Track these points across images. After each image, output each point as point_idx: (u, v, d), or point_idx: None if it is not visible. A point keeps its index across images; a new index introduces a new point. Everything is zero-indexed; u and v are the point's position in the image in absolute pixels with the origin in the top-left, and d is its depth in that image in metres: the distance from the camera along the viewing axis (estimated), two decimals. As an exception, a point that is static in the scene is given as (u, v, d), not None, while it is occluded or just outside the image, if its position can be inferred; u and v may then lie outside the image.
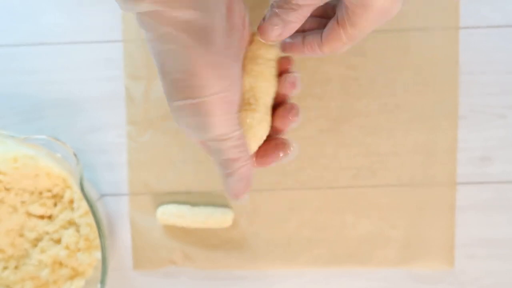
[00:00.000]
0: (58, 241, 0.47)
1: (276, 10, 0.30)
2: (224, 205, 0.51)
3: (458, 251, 0.51)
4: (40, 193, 0.48)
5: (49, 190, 0.48)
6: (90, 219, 0.47)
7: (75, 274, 0.47)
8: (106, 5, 0.51)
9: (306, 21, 0.31)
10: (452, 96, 0.50)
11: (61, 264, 0.47)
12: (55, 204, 0.48)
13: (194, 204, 0.51)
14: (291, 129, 0.34)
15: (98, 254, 0.47)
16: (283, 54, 0.34)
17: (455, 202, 0.50)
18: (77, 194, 0.48)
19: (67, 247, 0.47)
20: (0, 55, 0.51)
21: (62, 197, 0.48)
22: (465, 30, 0.50)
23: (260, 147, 0.32)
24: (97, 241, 0.47)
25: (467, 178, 0.51)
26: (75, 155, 0.43)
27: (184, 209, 0.49)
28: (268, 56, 0.32)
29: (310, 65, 0.50)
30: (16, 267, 0.47)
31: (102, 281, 0.44)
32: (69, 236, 0.47)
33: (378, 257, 0.50)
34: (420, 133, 0.50)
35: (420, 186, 0.50)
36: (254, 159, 0.32)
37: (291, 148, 0.32)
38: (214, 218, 0.49)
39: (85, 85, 0.51)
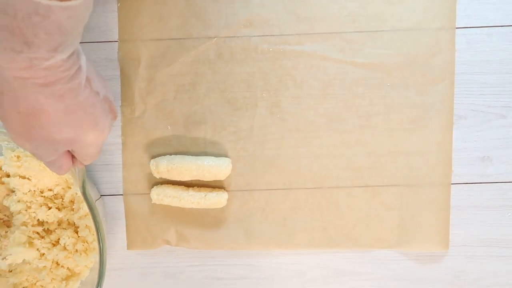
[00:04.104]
0: (56, 242, 0.47)
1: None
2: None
3: (458, 251, 0.50)
4: (41, 191, 0.48)
5: (50, 190, 0.48)
6: (90, 221, 0.46)
7: (71, 275, 0.46)
8: (106, 5, 0.50)
9: None
10: (448, 96, 0.49)
11: (58, 264, 0.46)
12: (55, 204, 0.48)
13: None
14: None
15: (95, 256, 0.46)
16: None
17: (451, 180, 0.49)
18: (78, 195, 0.47)
19: (64, 248, 0.46)
20: None
21: (62, 197, 0.48)
22: (465, 30, 0.49)
23: None
24: (95, 244, 0.46)
25: (467, 178, 0.50)
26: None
27: (179, 190, 0.48)
28: None
29: (312, 69, 0.50)
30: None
31: (99, 285, 0.43)
32: (67, 237, 0.46)
33: (373, 238, 0.50)
34: (417, 133, 0.49)
35: (416, 175, 0.51)
36: None
37: None
38: (208, 199, 0.48)
39: None
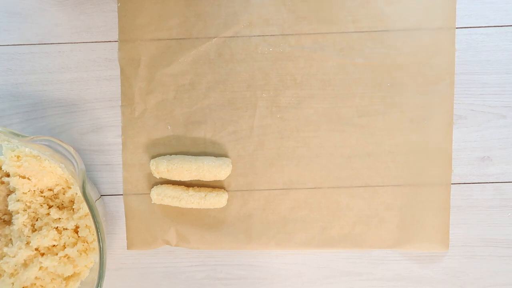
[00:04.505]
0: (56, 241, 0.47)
1: None
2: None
3: (458, 251, 0.50)
4: (41, 191, 0.48)
5: (50, 190, 0.48)
6: (89, 221, 0.46)
7: (71, 275, 0.46)
8: (106, 5, 0.50)
9: None
10: (448, 96, 0.49)
11: (58, 263, 0.46)
12: (56, 204, 0.48)
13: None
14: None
15: (95, 257, 0.46)
16: None
17: (451, 180, 0.49)
18: (78, 195, 0.47)
19: (64, 248, 0.46)
20: (0, 55, 0.50)
21: (62, 197, 0.48)
22: (465, 30, 0.49)
23: None
24: (94, 244, 0.46)
25: (467, 178, 0.50)
26: (77, 159, 0.42)
27: (179, 190, 0.48)
28: None
29: (312, 69, 0.51)
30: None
31: (99, 285, 0.42)
32: (67, 237, 0.46)
33: (372, 238, 0.49)
34: (416, 133, 0.49)
35: (416, 175, 0.51)
36: None
37: None
38: (208, 199, 0.48)
39: (85, 85, 0.50)
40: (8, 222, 0.48)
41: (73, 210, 0.47)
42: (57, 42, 0.50)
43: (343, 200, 0.50)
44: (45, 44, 0.50)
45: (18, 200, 0.46)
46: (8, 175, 0.48)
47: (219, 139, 0.50)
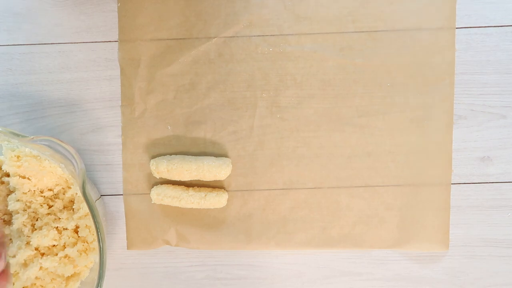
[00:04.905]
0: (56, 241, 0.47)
1: None
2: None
3: (458, 251, 0.50)
4: (41, 191, 0.48)
5: (50, 190, 0.48)
6: (90, 221, 0.46)
7: (71, 275, 0.46)
8: (106, 5, 0.50)
9: None
10: (448, 96, 0.49)
11: (58, 263, 0.46)
12: (56, 204, 0.48)
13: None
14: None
15: (95, 257, 0.46)
16: None
17: (451, 180, 0.49)
18: (78, 195, 0.47)
19: (64, 248, 0.46)
20: (0, 55, 0.50)
21: (62, 197, 0.48)
22: (464, 30, 0.50)
23: None
24: (95, 244, 0.46)
25: (467, 178, 0.50)
26: (77, 159, 0.42)
27: (179, 190, 0.48)
28: None
29: (312, 69, 0.51)
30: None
31: (99, 285, 0.42)
32: (67, 237, 0.46)
33: (372, 238, 0.49)
34: (417, 133, 0.49)
35: (416, 175, 0.51)
36: None
37: None
38: (208, 199, 0.48)
39: (85, 85, 0.50)
40: (8, 222, 0.48)
41: (73, 210, 0.47)
42: (57, 42, 0.50)
43: (343, 200, 0.50)
44: (45, 44, 0.50)
45: (18, 200, 0.46)
46: (8, 175, 0.48)
47: (219, 139, 0.50)
